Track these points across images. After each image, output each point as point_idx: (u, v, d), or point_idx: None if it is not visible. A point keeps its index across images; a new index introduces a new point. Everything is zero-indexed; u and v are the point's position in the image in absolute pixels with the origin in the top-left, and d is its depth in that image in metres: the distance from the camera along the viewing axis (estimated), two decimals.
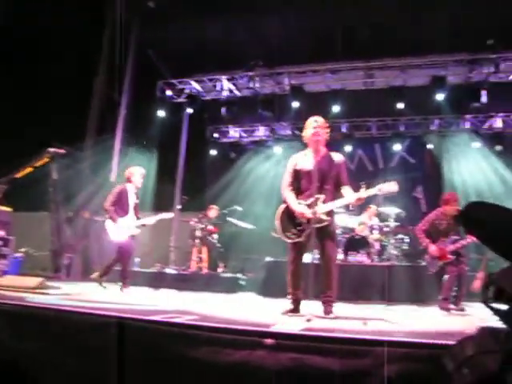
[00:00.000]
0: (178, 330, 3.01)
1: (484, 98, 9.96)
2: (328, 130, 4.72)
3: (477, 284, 8.28)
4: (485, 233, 1.95)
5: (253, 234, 10.12)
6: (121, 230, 6.62)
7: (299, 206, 4.45)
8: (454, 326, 4.20)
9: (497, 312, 1.69)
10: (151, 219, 6.99)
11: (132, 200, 6.87)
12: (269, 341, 2.81)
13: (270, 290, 7.28)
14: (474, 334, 1.78)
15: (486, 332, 1.73)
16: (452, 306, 5.77)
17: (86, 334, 3.23)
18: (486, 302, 1.72)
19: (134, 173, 6.95)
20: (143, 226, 6.92)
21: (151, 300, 5.62)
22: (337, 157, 4.63)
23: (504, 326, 1.69)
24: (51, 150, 6.51)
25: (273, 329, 3.10)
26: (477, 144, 11.40)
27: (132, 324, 3.16)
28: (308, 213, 4.35)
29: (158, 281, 8.45)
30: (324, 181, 4.45)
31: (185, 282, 8.45)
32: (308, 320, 3.66)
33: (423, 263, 7.57)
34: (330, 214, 4.44)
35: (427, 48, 10.20)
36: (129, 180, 6.93)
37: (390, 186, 4.28)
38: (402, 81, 10.71)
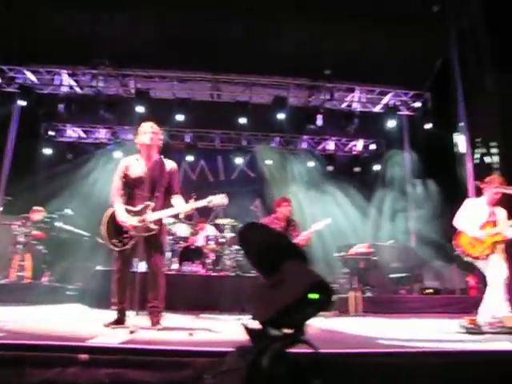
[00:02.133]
0: None
1: (319, 122, 10.80)
2: (161, 138, 4.62)
3: None
4: (249, 250, 2.11)
5: (84, 241, 9.50)
6: None
7: (122, 214, 4.26)
8: None
9: (249, 332, 1.76)
10: None
11: None
12: (83, 356, 2.60)
13: (99, 300, 6.85)
14: (230, 351, 1.84)
15: (237, 350, 1.79)
16: None
17: None
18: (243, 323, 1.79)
19: None
20: None
21: None
22: (169, 164, 4.54)
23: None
24: None
25: (89, 343, 2.87)
26: (312, 163, 12.31)
27: None
28: (130, 222, 4.20)
29: None
30: (155, 188, 4.33)
31: (1, 293, 7.56)
32: (132, 332, 3.50)
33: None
34: (159, 222, 4.33)
35: (273, 69, 10.74)
36: None
37: (220, 199, 4.29)
38: (247, 97, 11.10)
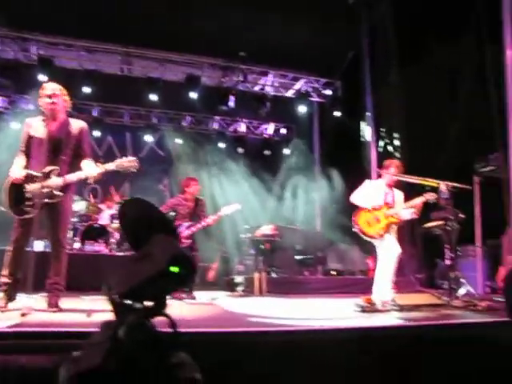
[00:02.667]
0: None
1: (232, 103, 10.77)
2: (67, 99, 4.32)
3: (211, 274, 8.91)
4: (126, 225, 2.15)
5: None
6: None
7: (16, 171, 4.00)
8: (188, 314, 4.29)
9: (114, 305, 1.77)
10: None
11: None
12: None
13: None
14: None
15: (102, 324, 1.77)
16: (184, 296, 6.00)
17: None
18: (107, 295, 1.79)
19: None
20: None
21: None
22: (77, 124, 4.26)
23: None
24: None
25: None
26: (222, 144, 12.28)
27: None
28: (21, 176, 3.96)
29: None
30: (59, 151, 4.06)
31: None
32: (24, 314, 3.27)
33: None
34: (65, 189, 4.07)
35: (187, 47, 10.49)
36: None
37: (130, 163, 4.12)
38: (158, 73, 10.75)
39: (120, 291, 1.73)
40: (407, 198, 5.55)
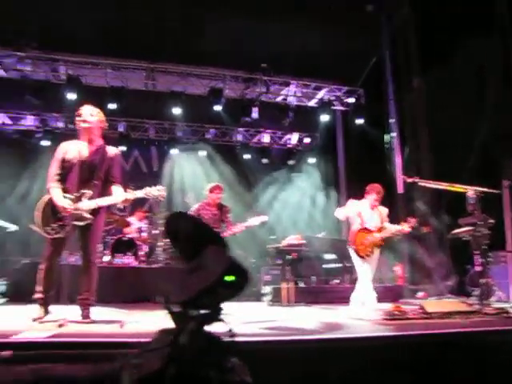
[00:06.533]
0: None
1: (255, 114, 10.86)
2: (104, 120, 4.46)
3: None
4: (174, 238, 2.21)
5: (10, 234, 9.03)
6: None
7: (62, 200, 4.10)
8: None
9: (171, 314, 1.86)
10: None
11: None
12: (6, 353, 2.48)
13: (28, 295, 6.56)
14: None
15: (160, 331, 1.88)
16: None
17: None
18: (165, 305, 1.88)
19: None
20: None
21: None
22: (111, 150, 4.40)
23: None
24: None
25: (13, 338, 2.75)
26: (247, 156, 12.38)
27: None
28: (71, 207, 4.06)
29: None
30: (92, 175, 4.19)
31: None
32: (60, 325, 3.38)
33: None
34: (96, 212, 4.20)
35: (209, 60, 10.67)
36: None
37: (157, 191, 4.23)
38: (182, 87, 10.94)
39: (178, 300, 1.82)
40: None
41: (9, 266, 8.56)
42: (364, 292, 5.58)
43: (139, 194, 4.21)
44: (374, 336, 3.49)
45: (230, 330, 1.80)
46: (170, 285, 1.94)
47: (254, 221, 6.33)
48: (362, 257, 5.70)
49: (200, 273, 1.84)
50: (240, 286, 1.87)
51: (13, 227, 8.92)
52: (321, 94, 11.84)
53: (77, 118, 4.37)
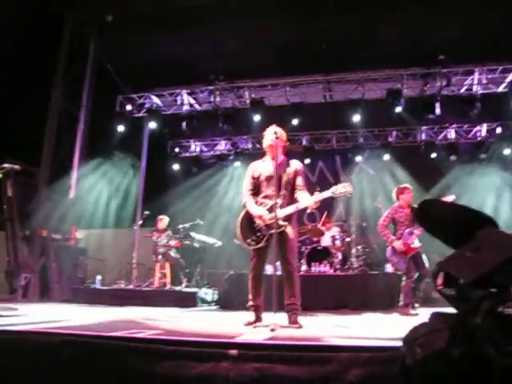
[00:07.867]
0: (142, 345, 2.93)
1: (438, 110, 10.32)
2: (285, 138, 4.76)
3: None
4: (432, 226, 2.20)
5: (216, 248, 10.06)
6: None
7: (258, 209, 4.47)
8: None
9: (446, 297, 1.85)
10: None
11: None
12: (233, 351, 2.78)
13: (234, 303, 7.25)
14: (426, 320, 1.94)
15: (436, 315, 1.88)
16: (412, 312, 5.89)
17: (45, 353, 3.10)
18: (437, 288, 1.88)
19: None
20: None
21: (114, 316, 5.48)
22: (294, 164, 4.67)
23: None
24: (5, 165, 6.24)
25: (237, 339, 3.07)
26: (433, 154, 11.79)
27: (93, 341, 3.06)
28: (266, 216, 4.38)
29: (120, 298, 8.24)
30: (281, 186, 4.47)
31: (148, 298, 8.28)
32: (272, 330, 3.65)
33: (388, 270, 7.72)
34: (288, 218, 4.45)
35: (383, 62, 10.53)
36: None
37: (343, 188, 4.30)
38: (359, 94, 10.96)
39: (465, 281, 1.81)
40: None
41: (217, 278, 9.54)
42: None
43: (326, 193, 4.32)
44: None
45: None
46: (451, 266, 1.93)
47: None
48: None
49: (482, 254, 1.81)
50: None
51: (218, 243, 9.92)
52: (510, 76, 10.69)
53: (264, 138, 4.76)
